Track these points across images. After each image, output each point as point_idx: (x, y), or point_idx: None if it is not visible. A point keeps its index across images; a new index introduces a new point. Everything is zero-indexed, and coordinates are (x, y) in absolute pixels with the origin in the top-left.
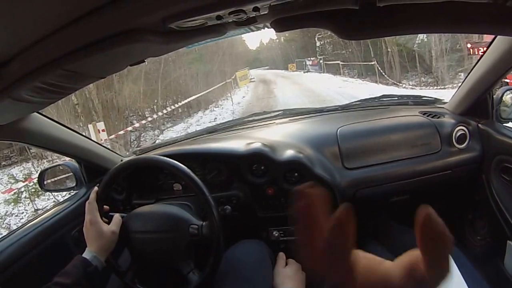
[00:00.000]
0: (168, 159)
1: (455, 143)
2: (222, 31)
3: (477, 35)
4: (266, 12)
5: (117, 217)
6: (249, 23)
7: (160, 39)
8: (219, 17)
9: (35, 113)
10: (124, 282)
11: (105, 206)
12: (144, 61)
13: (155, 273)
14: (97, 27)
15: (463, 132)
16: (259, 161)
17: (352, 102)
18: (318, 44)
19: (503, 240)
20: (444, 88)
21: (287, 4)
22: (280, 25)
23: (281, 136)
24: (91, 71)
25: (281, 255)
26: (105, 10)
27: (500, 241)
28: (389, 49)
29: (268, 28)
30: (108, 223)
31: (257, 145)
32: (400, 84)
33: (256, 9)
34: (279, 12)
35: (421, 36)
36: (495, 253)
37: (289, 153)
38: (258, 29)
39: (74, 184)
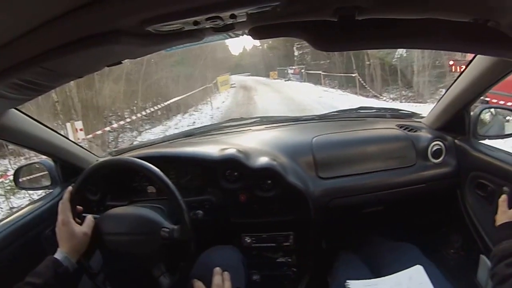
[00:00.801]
0: (142, 161)
1: (430, 157)
2: (199, 36)
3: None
4: (244, 20)
5: (89, 218)
6: (227, 29)
7: (138, 41)
8: (196, 23)
9: (12, 109)
10: (95, 284)
11: (78, 207)
12: (121, 62)
13: (126, 276)
14: (76, 27)
15: (439, 147)
16: (233, 167)
17: (330, 112)
18: (296, 53)
19: (476, 254)
20: (425, 103)
21: (264, 13)
22: (257, 33)
23: (256, 143)
24: (68, 70)
25: (216, 274)
26: (84, 10)
27: (473, 254)
28: (371, 62)
29: (247, 35)
30: (81, 223)
31: (231, 151)
32: (381, 97)
33: (233, 16)
34: (257, 20)
35: (400, 51)
36: (468, 266)
37: (263, 160)
38: (237, 35)
39: (49, 183)
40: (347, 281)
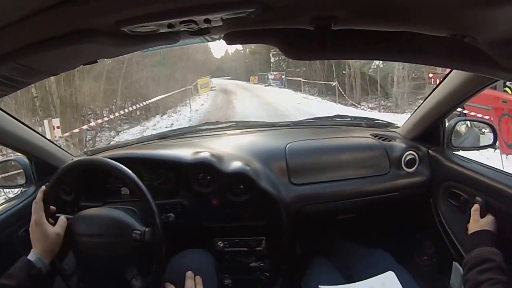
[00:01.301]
0: (115, 163)
1: (404, 166)
2: (175, 39)
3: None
4: (219, 25)
5: (62, 219)
6: (202, 33)
7: (113, 41)
8: (170, 25)
9: None
10: (68, 286)
11: (52, 207)
12: (97, 61)
13: (99, 278)
14: (51, 24)
15: (413, 156)
16: (206, 170)
17: (305, 120)
18: (272, 60)
19: (449, 261)
20: (404, 113)
21: (239, 19)
22: (230, 38)
23: (231, 148)
24: (44, 67)
25: (188, 278)
26: (60, 8)
27: (446, 261)
28: (351, 71)
29: (223, 39)
30: (54, 224)
31: (204, 154)
32: (359, 106)
33: (207, 20)
34: (231, 25)
35: (376, 62)
36: (441, 273)
37: (236, 165)
38: (213, 39)
39: (23, 181)
40: (319, 286)
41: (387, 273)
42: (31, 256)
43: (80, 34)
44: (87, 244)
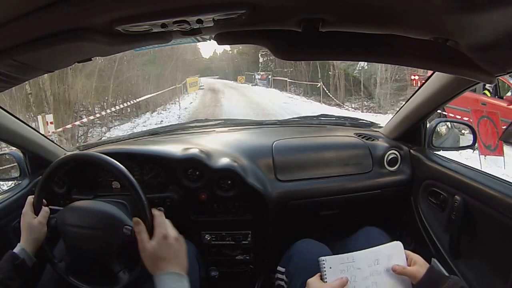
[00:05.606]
0: (107, 157)
1: (386, 165)
2: (167, 38)
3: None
4: (211, 25)
5: (44, 209)
6: (194, 33)
7: (107, 40)
8: (164, 25)
9: None
10: (56, 272)
11: (43, 200)
12: (91, 59)
13: (87, 268)
14: (48, 22)
15: (395, 155)
16: (194, 166)
17: (292, 118)
18: (261, 60)
19: (428, 258)
20: (386, 113)
21: (230, 20)
22: (222, 39)
23: (219, 144)
24: (39, 64)
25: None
26: (56, 7)
27: (425, 258)
28: (336, 72)
29: (214, 40)
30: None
31: (194, 150)
32: (343, 106)
33: (199, 21)
34: (223, 26)
35: (362, 63)
36: None
37: (224, 161)
38: (204, 40)
39: (18, 175)
40: (322, 257)
41: (394, 243)
42: (16, 248)
43: (75, 32)
44: (76, 234)
